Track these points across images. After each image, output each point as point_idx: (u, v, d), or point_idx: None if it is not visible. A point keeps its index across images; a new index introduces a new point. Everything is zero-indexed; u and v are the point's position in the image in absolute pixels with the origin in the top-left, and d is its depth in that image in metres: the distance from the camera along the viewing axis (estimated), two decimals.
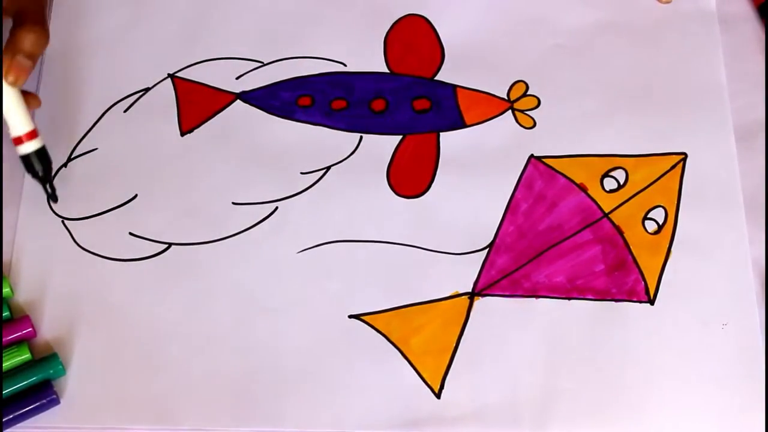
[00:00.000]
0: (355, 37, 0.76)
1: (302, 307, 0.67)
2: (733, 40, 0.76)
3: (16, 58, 0.63)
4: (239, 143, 0.72)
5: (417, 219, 0.70)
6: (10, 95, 0.65)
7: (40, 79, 0.74)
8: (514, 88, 0.75)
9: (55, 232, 0.69)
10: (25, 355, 0.64)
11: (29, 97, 0.67)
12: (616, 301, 0.67)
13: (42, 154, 0.67)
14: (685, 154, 0.72)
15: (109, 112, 0.73)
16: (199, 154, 0.72)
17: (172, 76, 0.75)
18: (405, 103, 0.74)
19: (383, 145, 0.73)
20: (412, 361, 0.65)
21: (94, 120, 0.73)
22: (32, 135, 0.66)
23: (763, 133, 0.73)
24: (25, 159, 0.67)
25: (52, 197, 0.68)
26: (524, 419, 0.64)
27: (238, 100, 0.74)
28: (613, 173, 0.71)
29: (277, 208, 0.70)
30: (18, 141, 0.66)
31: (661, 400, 0.64)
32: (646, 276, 0.68)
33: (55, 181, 0.70)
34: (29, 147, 0.66)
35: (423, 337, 0.66)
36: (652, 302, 0.67)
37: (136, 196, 0.70)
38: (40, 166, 0.67)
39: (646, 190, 0.71)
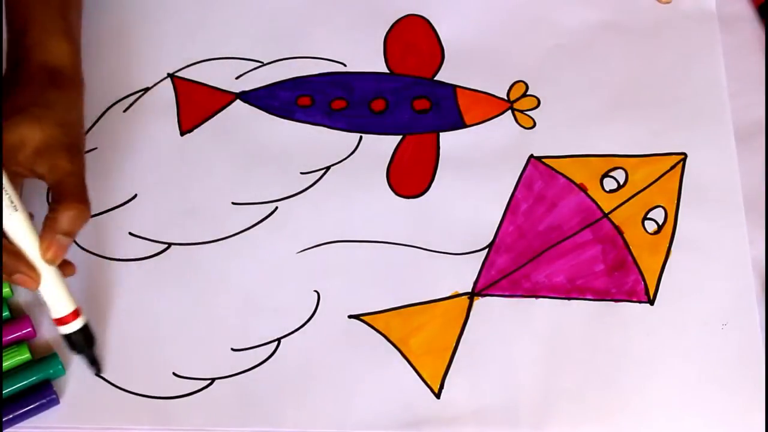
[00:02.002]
0: (355, 37, 0.76)
1: (302, 307, 0.67)
2: (733, 40, 0.76)
3: (56, 238, 0.59)
4: (239, 143, 0.72)
5: (417, 219, 0.70)
6: (50, 275, 0.60)
7: None
8: (514, 88, 0.75)
9: None
10: (25, 355, 0.64)
11: (65, 267, 0.62)
12: (616, 301, 0.67)
13: (86, 330, 0.62)
14: (685, 154, 0.72)
15: (108, 111, 0.73)
16: (199, 153, 0.72)
17: (171, 75, 0.75)
18: (405, 103, 0.74)
19: (383, 145, 0.73)
20: (412, 361, 0.65)
21: (94, 119, 0.73)
22: (76, 314, 0.61)
23: (762, 133, 0.73)
24: (67, 337, 0.62)
25: (98, 368, 0.64)
26: (524, 419, 0.64)
27: (238, 100, 0.74)
28: (612, 173, 0.71)
29: (277, 208, 0.70)
30: (60, 322, 0.61)
31: (661, 400, 0.64)
32: (645, 276, 0.68)
33: None
34: (74, 326, 0.62)
35: (423, 337, 0.66)
36: (651, 302, 0.67)
37: (135, 196, 0.70)
38: (83, 344, 0.63)
39: (646, 190, 0.71)
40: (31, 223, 0.59)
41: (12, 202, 0.58)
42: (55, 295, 0.61)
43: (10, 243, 0.59)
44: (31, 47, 0.64)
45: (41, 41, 0.64)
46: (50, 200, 0.60)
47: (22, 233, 0.59)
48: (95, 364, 0.64)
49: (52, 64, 0.64)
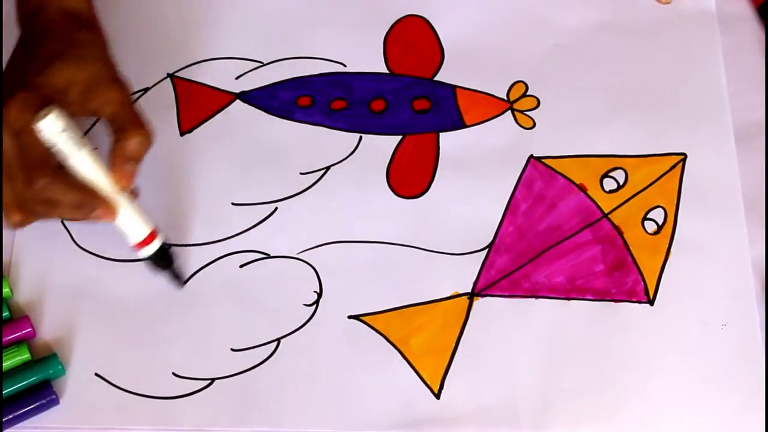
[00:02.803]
0: (355, 37, 0.76)
1: (302, 307, 0.67)
2: (733, 40, 0.76)
3: (125, 167, 0.61)
4: (239, 143, 0.72)
5: (417, 219, 0.70)
6: (125, 203, 0.62)
7: None
8: (513, 88, 0.75)
9: (55, 232, 0.69)
10: (25, 356, 0.64)
11: (130, 193, 0.64)
12: (616, 301, 0.67)
13: (164, 248, 0.65)
14: (685, 155, 0.72)
15: None
16: (199, 154, 0.72)
17: (171, 75, 0.75)
18: (405, 103, 0.74)
19: (383, 145, 0.73)
20: (412, 362, 0.65)
21: (94, 119, 0.73)
22: (153, 235, 0.64)
23: (762, 134, 0.73)
24: (149, 258, 0.64)
25: (180, 281, 0.67)
26: (524, 419, 0.64)
27: (238, 100, 0.74)
28: (612, 173, 0.71)
29: (276, 208, 0.70)
30: (140, 245, 0.63)
31: (661, 401, 0.64)
32: (645, 276, 0.68)
33: None
34: (153, 247, 0.64)
35: (422, 338, 0.66)
36: (651, 302, 0.67)
37: None
38: (165, 262, 0.65)
39: (646, 190, 0.71)
40: (98, 158, 0.61)
41: (75, 143, 0.60)
42: (132, 222, 0.63)
43: (81, 181, 0.61)
44: None
45: None
46: (111, 133, 0.62)
47: (90, 169, 0.61)
48: (178, 278, 0.66)
49: (71, 9, 0.65)
